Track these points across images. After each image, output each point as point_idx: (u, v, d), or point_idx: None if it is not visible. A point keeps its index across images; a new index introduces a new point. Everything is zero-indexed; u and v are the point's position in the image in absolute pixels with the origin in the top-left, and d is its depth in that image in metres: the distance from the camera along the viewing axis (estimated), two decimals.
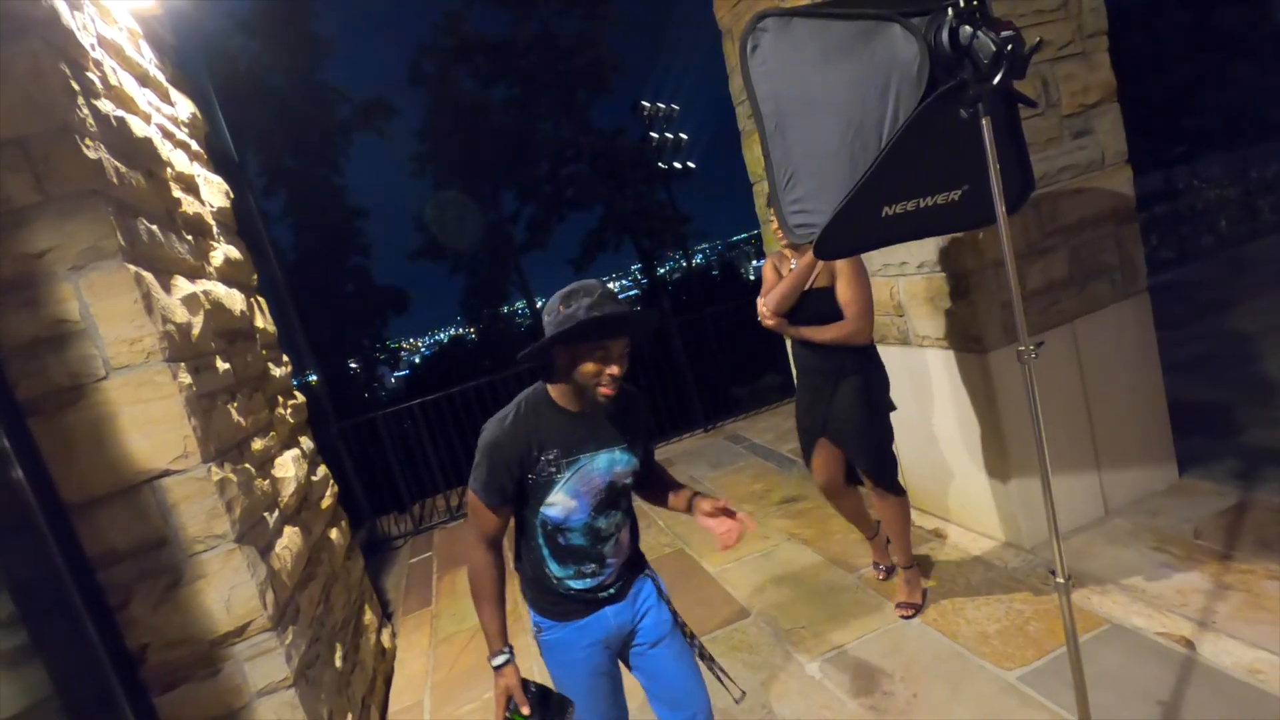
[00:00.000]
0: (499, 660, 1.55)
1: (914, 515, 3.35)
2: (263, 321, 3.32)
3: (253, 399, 2.66)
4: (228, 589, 1.98)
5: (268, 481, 2.49)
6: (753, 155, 4.02)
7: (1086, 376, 2.96)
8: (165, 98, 2.84)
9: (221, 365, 2.37)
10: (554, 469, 1.52)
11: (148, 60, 2.71)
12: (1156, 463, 3.12)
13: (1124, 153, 2.96)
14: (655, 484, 1.76)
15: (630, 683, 1.75)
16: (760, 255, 2.79)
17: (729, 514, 1.52)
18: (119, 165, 2.00)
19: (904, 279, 3.16)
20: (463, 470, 5.87)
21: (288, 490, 2.67)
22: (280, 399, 3.19)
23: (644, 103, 19.00)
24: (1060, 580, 1.63)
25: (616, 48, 21.61)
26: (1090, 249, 2.95)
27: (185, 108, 3.09)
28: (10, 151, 1.76)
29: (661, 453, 5.75)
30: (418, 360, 27.09)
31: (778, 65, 1.90)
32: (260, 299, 3.47)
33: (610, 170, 21.00)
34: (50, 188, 1.79)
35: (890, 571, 3.01)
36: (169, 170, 2.51)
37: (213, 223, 2.94)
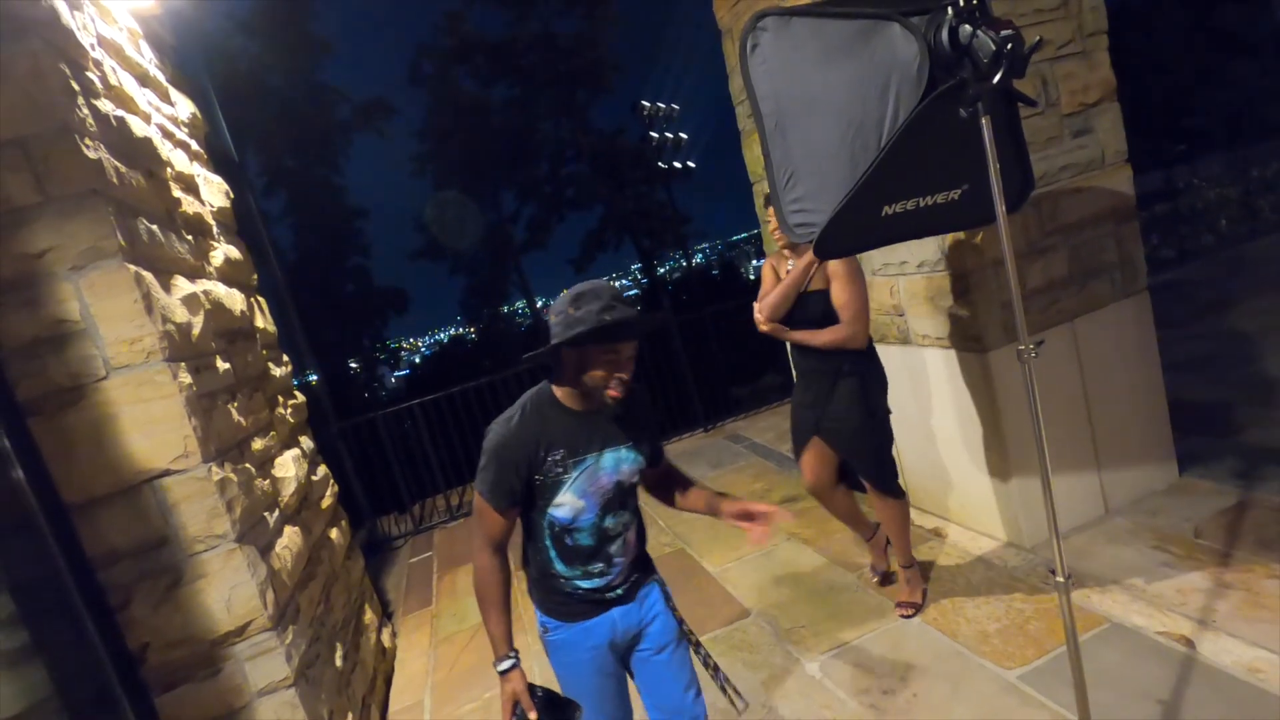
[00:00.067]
0: (505, 665, 1.53)
1: (914, 515, 3.35)
2: (263, 321, 3.32)
3: (253, 399, 2.66)
4: (228, 589, 1.99)
5: (268, 481, 2.49)
6: (753, 155, 4.02)
7: (1087, 376, 2.96)
8: (165, 97, 2.84)
9: (222, 365, 2.37)
10: (561, 469, 1.52)
11: (147, 60, 2.71)
12: (1157, 462, 3.13)
13: (1124, 152, 2.96)
14: (671, 484, 1.75)
15: (630, 686, 1.75)
16: (760, 255, 2.79)
17: (754, 515, 1.53)
18: (119, 165, 2.00)
19: (904, 278, 3.16)
20: (463, 470, 5.89)
21: (288, 490, 2.67)
22: (280, 399, 3.19)
23: (644, 102, 19.01)
24: (1060, 579, 1.63)
25: (616, 48, 21.58)
26: (1090, 248, 2.95)
27: (185, 108, 3.09)
28: (10, 151, 1.76)
29: None
30: (418, 360, 27.10)
31: (777, 65, 1.90)
32: (260, 299, 3.47)
33: (610, 170, 21.02)
34: (50, 188, 1.79)
35: (886, 577, 2.99)
36: (169, 170, 2.51)
37: (213, 222, 2.94)
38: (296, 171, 18.66)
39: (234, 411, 2.36)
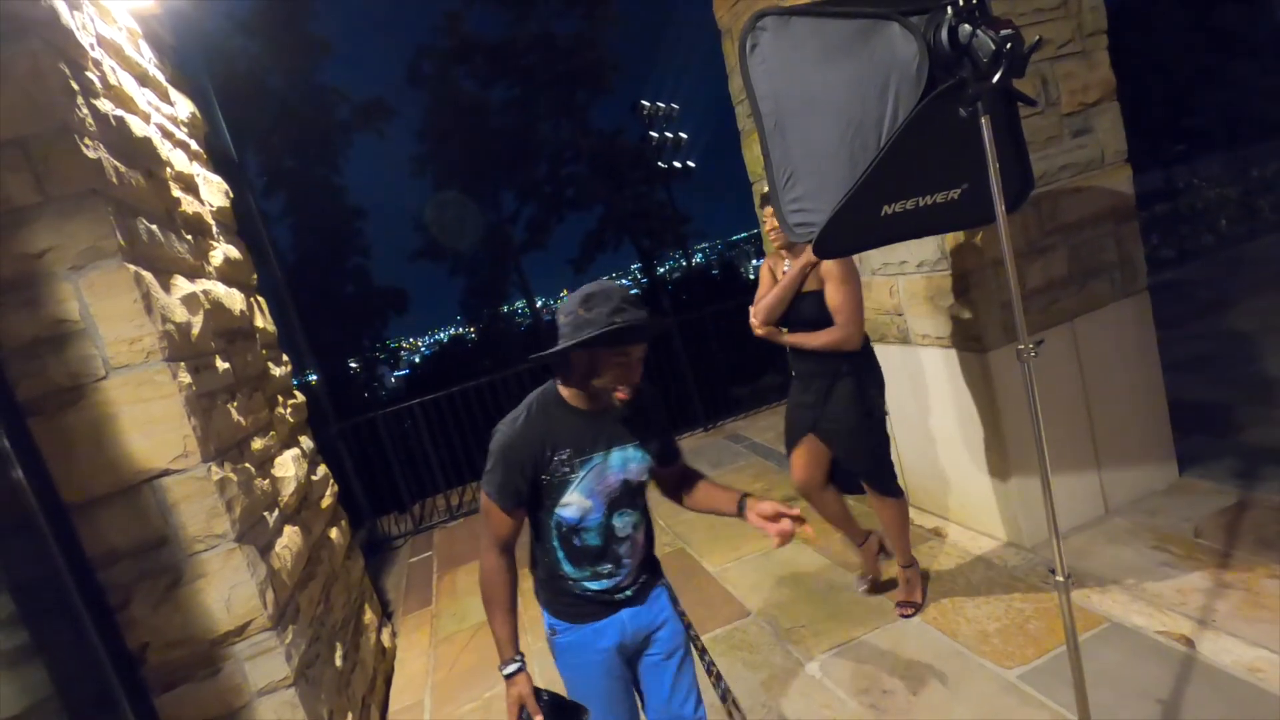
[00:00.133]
0: (511, 669, 1.52)
1: (914, 514, 3.35)
2: (262, 321, 3.32)
3: (252, 398, 2.66)
4: (228, 588, 1.98)
5: (267, 481, 2.49)
6: (752, 154, 4.02)
7: (1086, 375, 2.96)
8: (165, 97, 2.84)
9: (221, 365, 2.37)
10: (568, 469, 1.51)
11: (147, 60, 2.71)
12: (1156, 462, 3.13)
13: (1124, 151, 2.96)
14: (690, 485, 1.72)
15: None
16: (760, 254, 2.78)
17: (780, 518, 1.48)
18: (118, 165, 2.00)
19: (904, 278, 3.16)
20: (463, 470, 5.89)
21: (287, 490, 2.67)
22: (280, 398, 3.19)
23: (643, 102, 19.03)
24: (1060, 579, 1.63)
25: (616, 48, 21.62)
26: (1090, 248, 2.95)
27: (185, 107, 3.09)
28: (10, 151, 1.76)
29: None
30: (418, 360, 27.12)
31: (777, 64, 1.90)
32: (260, 298, 3.47)
33: (610, 170, 21.02)
34: (50, 188, 1.79)
35: (876, 585, 2.96)
36: (168, 170, 2.51)
37: (212, 222, 2.94)
38: (296, 171, 18.66)
39: (233, 411, 2.36)
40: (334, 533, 3.29)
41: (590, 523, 1.55)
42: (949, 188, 1.80)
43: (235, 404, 2.40)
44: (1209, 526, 2.75)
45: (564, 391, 1.54)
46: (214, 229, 2.94)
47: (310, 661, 2.28)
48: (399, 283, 21.78)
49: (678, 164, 19.88)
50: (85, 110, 1.90)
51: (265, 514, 2.32)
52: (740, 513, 1.56)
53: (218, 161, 3.49)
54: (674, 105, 19.43)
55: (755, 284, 2.84)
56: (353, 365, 21.01)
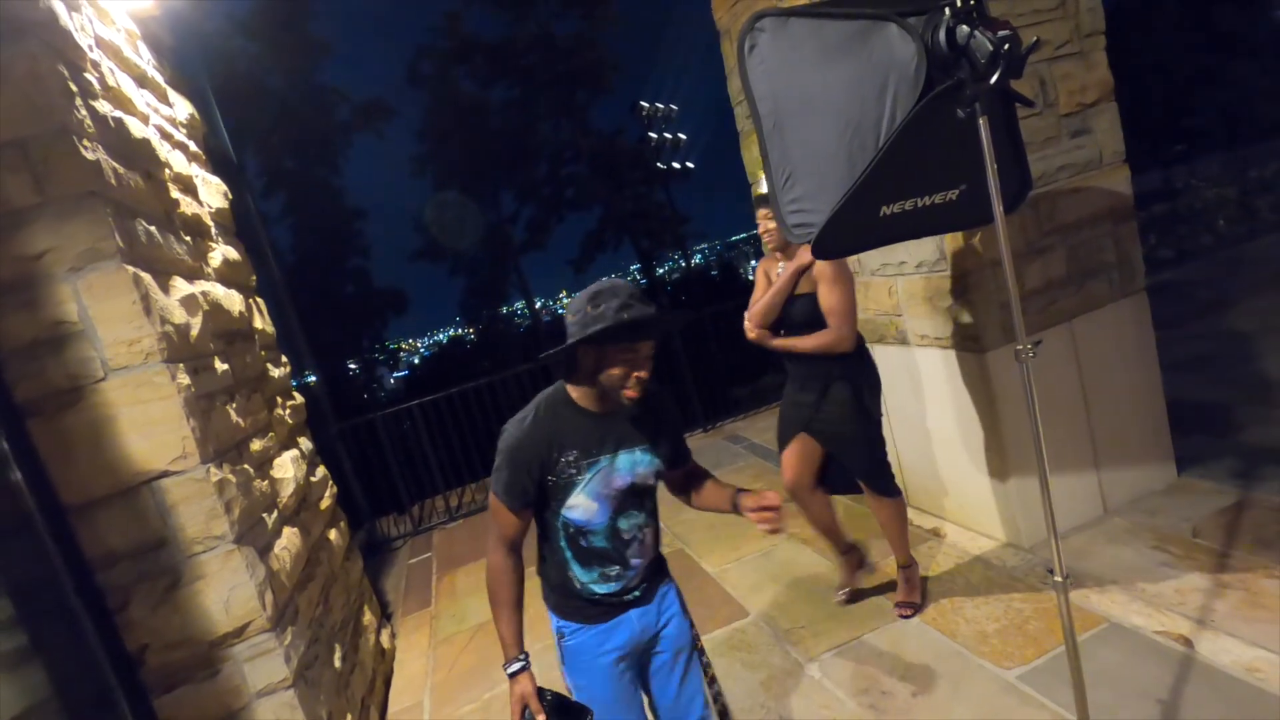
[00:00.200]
0: (515, 667, 1.51)
1: (913, 515, 3.36)
2: (261, 322, 3.32)
3: (251, 400, 2.66)
4: (227, 590, 1.98)
5: (266, 482, 2.49)
6: (751, 155, 4.02)
7: (1085, 375, 2.96)
8: (163, 98, 2.84)
9: (220, 366, 2.37)
10: (574, 470, 1.49)
11: (145, 61, 2.71)
12: (1155, 462, 3.13)
13: (1121, 152, 2.97)
14: (695, 484, 1.71)
15: None
16: (759, 255, 2.78)
17: (768, 509, 1.46)
18: (117, 166, 2.00)
19: (902, 278, 3.16)
20: (462, 471, 5.89)
21: (286, 491, 2.67)
22: (279, 400, 3.19)
23: (643, 103, 19.05)
24: (1059, 579, 1.63)
25: (615, 48, 21.63)
26: (1088, 248, 2.95)
27: (183, 109, 3.09)
28: (9, 153, 1.76)
29: None
30: (417, 361, 27.12)
31: (775, 65, 1.90)
32: (259, 300, 3.47)
33: (609, 170, 21.03)
34: (49, 189, 1.79)
35: (853, 596, 2.94)
36: (167, 171, 2.51)
37: (211, 224, 2.94)
38: (295, 172, 18.66)
39: (232, 412, 2.36)
40: (333, 534, 3.29)
41: (597, 525, 1.54)
42: (947, 188, 1.80)
43: (234, 405, 2.40)
44: (1208, 526, 2.75)
45: (573, 392, 1.53)
46: (213, 230, 2.94)
47: (309, 663, 2.28)
48: (398, 284, 21.78)
49: (677, 164, 19.91)
50: (84, 112, 1.90)
51: (264, 515, 2.32)
52: (735, 508, 1.56)
53: (216, 162, 3.49)
54: (673, 106, 19.47)
55: (754, 284, 2.84)
56: (352, 366, 21.01)
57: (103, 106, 2.05)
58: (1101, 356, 2.98)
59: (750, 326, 2.67)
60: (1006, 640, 2.46)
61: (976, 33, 1.43)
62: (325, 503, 3.33)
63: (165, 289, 2.10)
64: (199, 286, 2.44)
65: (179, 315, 2.10)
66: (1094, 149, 2.91)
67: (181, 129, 2.96)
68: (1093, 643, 2.32)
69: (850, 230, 1.81)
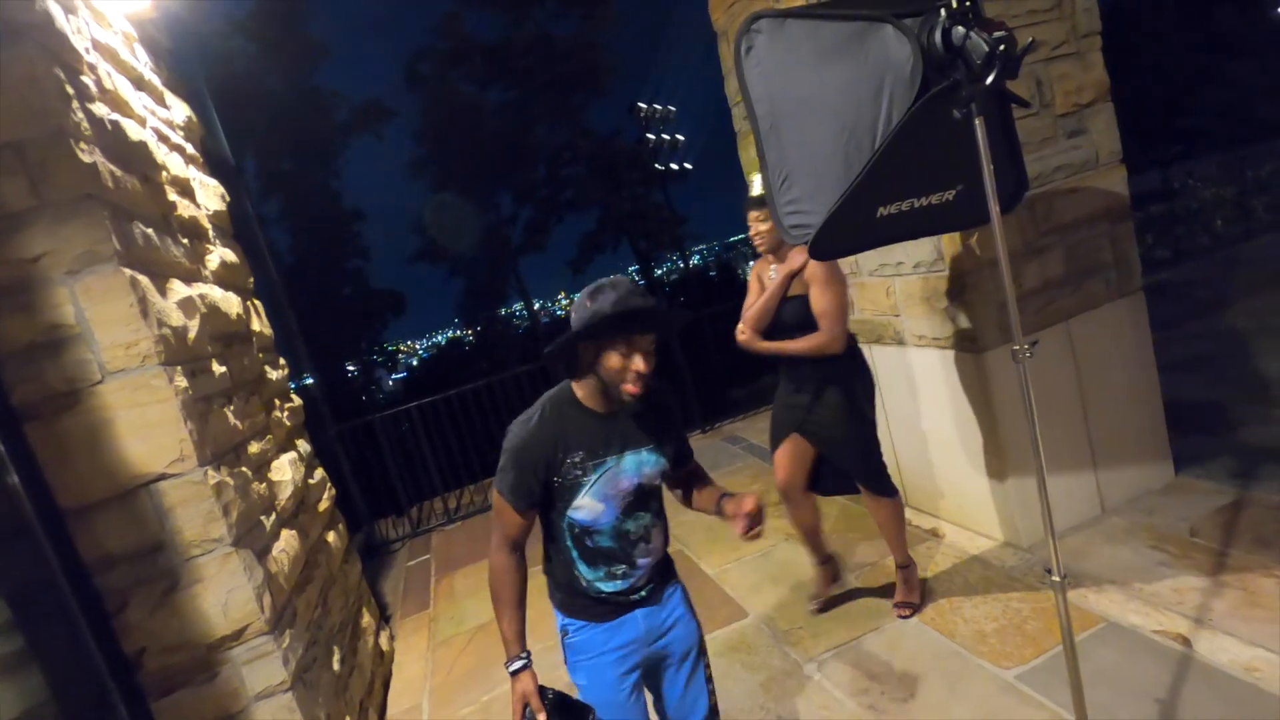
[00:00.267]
0: (516, 665, 1.51)
1: (911, 515, 3.36)
2: (259, 325, 3.32)
3: (249, 402, 2.66)
4: (225, 593, 1.98)
5: (264, 485, 2.49)
6: (748, 156, 4.02)
7: (1082, 375, 2.97)
8: (160, 101, 2.83)
9: (218, 368, 2.37)
10: (579, 472, 1.49)
11: (142, 64, 2.71)
12: (1153, 461, 3.13)
13: (1118, 152, 2.97)
14: (696, 484, 1.71)
15: None
16: (756, 255, 2.78)
17: (749, 514, 1.46)
18: (114, 169, 2.00)
19: (900, 279, 3.17)
20: (460, 473, 5.89)
21: (285, 493, 2.67)
22: (277, 402, 3.19)
23: (640, 104, 19.05)
24: (1057, 579, 1.64)
25: (613, 50, 21.59)
26: (1085, 248, 2.95)
27: (180, 111, 3.09)
28: (6, 156, 1.76)
29: None
30: (415, 363, 27.10)
31: (772, 66, 1.90)
32: (257, 302, 3.47)
33: (607, 172, 21.03)
34: (46, 192, 1.79)
35: (825, 606, 2.92)
36: (164, 174, 2.51)
37: (209, 226, 2.94)
38: (293, 174, 18.63)
39: (230, 415, 2.35)
40: (331, 536, 3.29)
41: (603, 525, 1.53)
42: (944, 189, 1.80)
43: (232, 408, 2.40)
44: (1205, 526, 2.76)
45: (578, 391, 1.53)
46: (210, 232, 2.94)
47: (308, 665, 2.28)
48: (397, 285, 21.74)
49: (675, 166, 19.92)
50: (81, 114, 1.90)
51: (262, 518, 2.32)
52: (720, 512, 1.55)
53: (214, 165, 3.49)
54: (671, 107, 19.48)
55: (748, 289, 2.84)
56: (350, 368, 20.97)
57: (100, 109, 2.05)
58: (1099, 356, 2.99)
59: (744, 327, 2.67)
60: (1005, 640, 2.46)
61: (972, 34, 1.43)
62: (323, 505, 3.33)
63: (163, 292, 2.10)
64: (196, 289, 2.44)
65: (176, 318, 2.10)
66: (1090, 149, 2.92)
67: (179, 131, 2.96)
68: (1091, 642, 2.32)
69: (847, 231, 1.81)
